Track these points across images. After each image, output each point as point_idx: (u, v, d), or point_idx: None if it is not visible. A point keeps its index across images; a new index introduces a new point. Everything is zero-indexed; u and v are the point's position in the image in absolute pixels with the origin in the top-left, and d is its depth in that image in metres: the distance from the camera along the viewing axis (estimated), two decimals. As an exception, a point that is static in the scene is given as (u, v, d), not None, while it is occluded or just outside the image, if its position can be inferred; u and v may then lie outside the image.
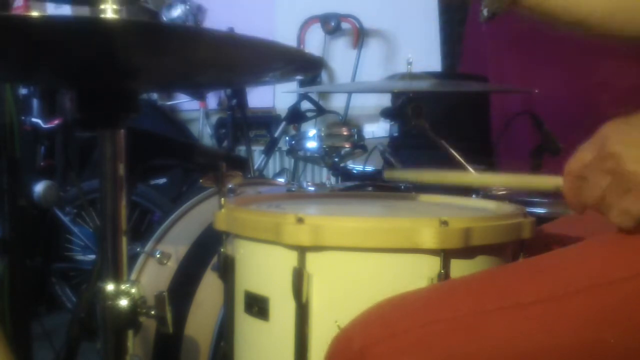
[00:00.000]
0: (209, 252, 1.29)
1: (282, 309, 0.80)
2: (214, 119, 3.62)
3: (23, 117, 2.34)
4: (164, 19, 3.23)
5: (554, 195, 1.40)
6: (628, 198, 0.64)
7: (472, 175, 0.90)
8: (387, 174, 0.98)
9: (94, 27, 0.64)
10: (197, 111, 3.69)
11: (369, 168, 1.94)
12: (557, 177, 0.73)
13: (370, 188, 1.49)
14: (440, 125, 1.49)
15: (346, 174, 1.95)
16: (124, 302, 0.84)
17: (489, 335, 0.68)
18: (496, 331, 0.68)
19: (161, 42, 0.68)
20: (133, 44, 0.68)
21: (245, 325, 0.88)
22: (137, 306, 0.85)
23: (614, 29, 0.82)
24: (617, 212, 0.66)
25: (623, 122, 0.66)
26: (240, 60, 0.78)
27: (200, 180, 1.47)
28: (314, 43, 3.43)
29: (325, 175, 2.59)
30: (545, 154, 1.53)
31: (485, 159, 1.94)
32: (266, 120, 3.46)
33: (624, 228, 0.66)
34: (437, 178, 0.94)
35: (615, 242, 0.71)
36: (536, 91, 1.95)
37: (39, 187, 1.69)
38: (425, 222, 0.76)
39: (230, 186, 1.40)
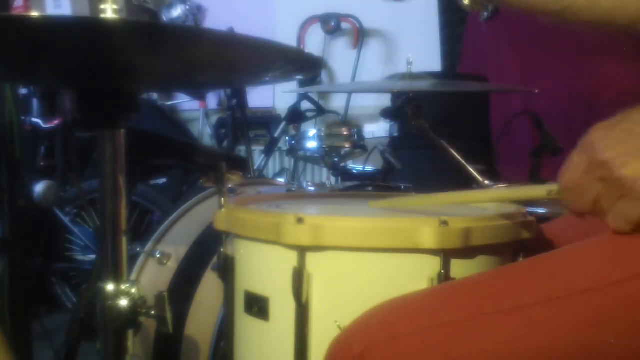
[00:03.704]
0: (209, 252, 1.29)
1: (282, 309, 0.80)
2: (214, 119, 3.62)
3: (23, 117, 2.34)
4: (164, 19, 3.23)
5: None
6: (623, 203, 0.64)
7: (461, 195, 0.90)
8: (371, 204, 0.98)
9: (94, 27, 0.64)
10: (197, 111, 3.69)
11: (369, 168, 1.95)
12: (547, 185, 0.73)
13: (370, 188, 1.49)
14: (440, 125, 1.49)
15: (346, 174, 1.95)
16: (124, 302, 0.84)
17: (488, 338, 0.68)
18: (495, 334, 0.68)
19: (161, 42, 0.68)
20: (133, 44, 0.69)
21: (245, 325, 0.87)
22: (137, 306, 0.85)
23: (599, 15, 0.80)
24: (613, 216, 0.66)
25: (608, 126, 0.66)
26: (240, 60, 0.78)
27: (200, 180, 1.47)
28: (314, 43, 3.43)
29: (325, 175, 2.59)
30: (545, 154, 1.52)
31: (485, 159, 1.94)
32: (266, 120, 3.46)
33: (621, 232, 0.66)
34: (423, 201, 0.94)
35: (614, 243, 0.70)
36: (536, 91, 1.95)
37: (39, 187, 1.69)
38: (425, 222, 0.76)
39: (230, 186, 1.40)
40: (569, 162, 0.68)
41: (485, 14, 0.87)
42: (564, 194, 0.70)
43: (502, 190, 0.85)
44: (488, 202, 0.96)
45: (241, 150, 3.08)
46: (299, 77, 1.21)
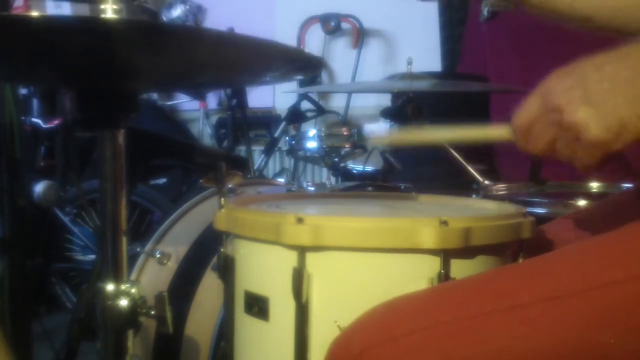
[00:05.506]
0: (209, 252, 1.29)
1: (282, 309, 0.80)
2: (214, 119, 3.63)
3: (23, 117, 2.34)
4: (164, 19, 3.23)
5: (554, 195, 1.40)
6: (577, 147, 0.65)
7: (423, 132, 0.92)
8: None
9: (94, 27, 0.64)
10: (197, 111, 3.69)
11: (369, 168, 1.95)
12: (504, 127, 0.74)
13: (370, 188, 1.49)
14: (440, 125, 1.49)
15: (346, 174, 1.95)
16: (124, 302, 0.84)
17: (487, 337, 0.68)
18: (494, 334, 0.68)
19: (161, 42, 0.68)
20: (133, 44, 0.69)
21: (245, 325, 0.88)
22: (137, 306, 0.85)
23: (621, 25, 0.82)
24: (575, 160, 0.67)
25: (566, 72, 0.67)
26: (240, 60, 0.78)
27: (200, 181, 1.47)
28: (314, 43, 3.43)
29: (325, 175, 2.59)
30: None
31: (485, 159, 1.94)
32: (266, 120, 3.46)
33: (586, 172, 0.68)
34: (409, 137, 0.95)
35: (613, 243, 0.70)
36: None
37: (39, 187, 1.69)
38: (425, 222, 0.76)
39: (230, 186, 1.40)
40: (524, 104, 0.70)
41: (485, 14, 0.87)
42: (517, 135, 0.71)
43: (461, 130, 0.86)
44: (448, 141, 0.95)
45: (241, 150, 3.08)
46: (299, 77, 1.21)
